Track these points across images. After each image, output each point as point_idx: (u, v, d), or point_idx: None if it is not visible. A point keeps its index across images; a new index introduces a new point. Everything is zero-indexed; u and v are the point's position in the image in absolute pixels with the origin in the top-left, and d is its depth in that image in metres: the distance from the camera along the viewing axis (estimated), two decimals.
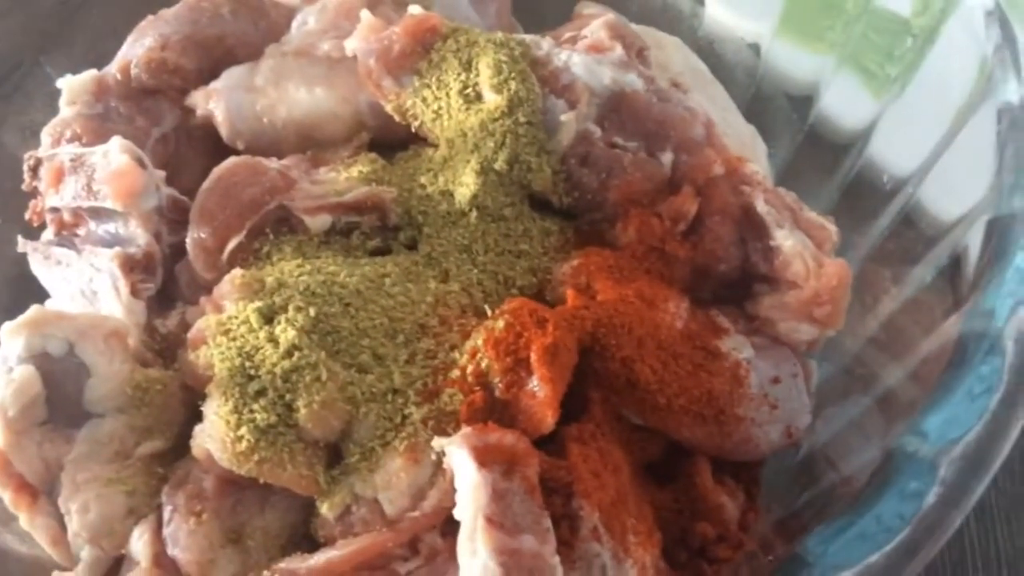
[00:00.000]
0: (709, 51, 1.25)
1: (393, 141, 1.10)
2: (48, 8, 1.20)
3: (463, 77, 1.02)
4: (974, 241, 0.87)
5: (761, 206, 1.00)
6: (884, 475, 0.77)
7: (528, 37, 1.06)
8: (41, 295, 1.07)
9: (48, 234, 1.08)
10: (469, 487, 0.79)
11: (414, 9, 1.08)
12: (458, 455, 0.81)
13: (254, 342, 0.88)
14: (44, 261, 1.05)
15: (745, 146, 1.15)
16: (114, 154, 0.99)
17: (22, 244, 1.06)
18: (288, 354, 0.87)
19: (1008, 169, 0.86)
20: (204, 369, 0.90)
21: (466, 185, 1.00)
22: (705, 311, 1.01)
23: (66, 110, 1.09)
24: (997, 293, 0.80)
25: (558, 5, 1.25)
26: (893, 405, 0.92)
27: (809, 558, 0.76)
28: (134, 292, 0.98)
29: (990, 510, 1.17)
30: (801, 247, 0.98)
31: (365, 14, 1.08)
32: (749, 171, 1.03)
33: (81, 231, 1.05)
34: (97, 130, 1.07)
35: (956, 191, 0.94)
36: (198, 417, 0.90)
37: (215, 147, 1.10)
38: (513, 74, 1.00)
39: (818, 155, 1.15)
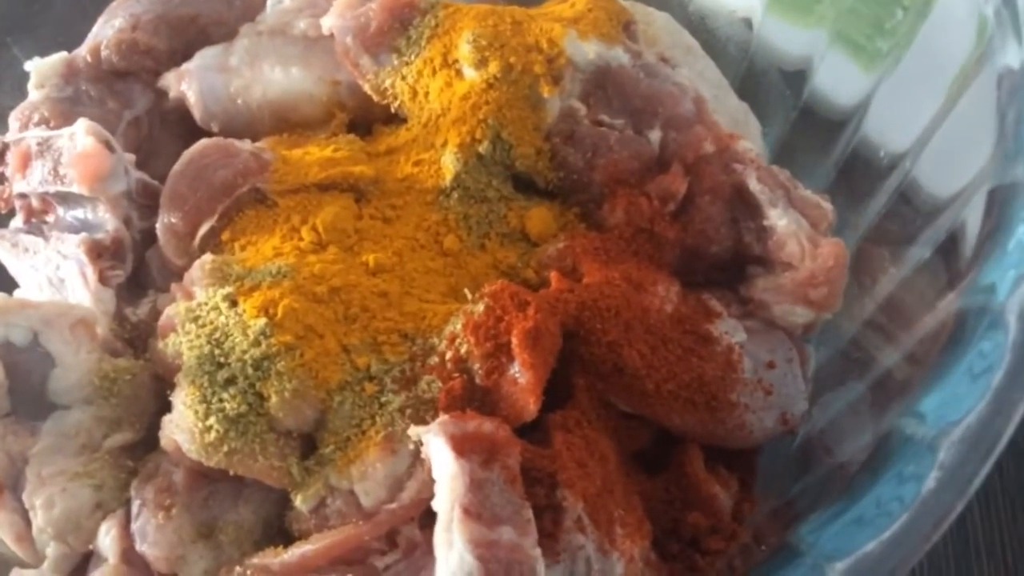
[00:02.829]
0: (700, 26, 1.21)
1: (372, 121, 1.07)
2: None
3: (443, 54, 0.99)
4: (973, 215, 0.83)
5: (754, 184, 0.96)
6: (879, 459, 0.73)
7: (510, 9, 1.02)
8: (11, 286, 1.03)
9: (17, 221, 1.04)
10: (446, 477, 0.75)
11: None
12: (435, 444, 0.77)
13: (224, 329, 0.85)
14: (12, 249, 1.02)
15: (738, 124, 1.11)
16: (80, 136, 0.96)
17: None
18: (258, 341, 0.83)
19: (1009, 136, 0.81)
20: (173, 358, 0.87)
21: (447, 165, 0.97)
22: (697, 294, 0.97)
23: (35, 93, 1.06)
24: (998, 267, 0.76)
25: None
26: (888, 387, 0.88)
27: (802, 547, 0.73)
28: (102, 279, 0.95)
29: (995, 496, 1.13)
30: (796, 227, 0.94)
31: None
32: (741, 148, 0.99)
33: (50, 218, 1.02)
34: (66, 113, 1.04)
35: (953, 165, 0.90)
36: (169, 408, 0.87)
37: (189, 130, 1.07)
38: (494, 50, 0.97)
39: (813, 132, 1.11)
